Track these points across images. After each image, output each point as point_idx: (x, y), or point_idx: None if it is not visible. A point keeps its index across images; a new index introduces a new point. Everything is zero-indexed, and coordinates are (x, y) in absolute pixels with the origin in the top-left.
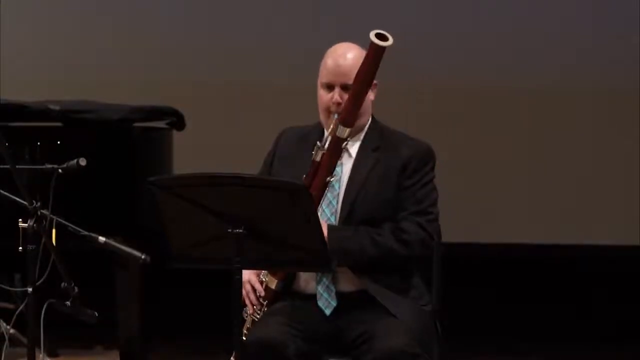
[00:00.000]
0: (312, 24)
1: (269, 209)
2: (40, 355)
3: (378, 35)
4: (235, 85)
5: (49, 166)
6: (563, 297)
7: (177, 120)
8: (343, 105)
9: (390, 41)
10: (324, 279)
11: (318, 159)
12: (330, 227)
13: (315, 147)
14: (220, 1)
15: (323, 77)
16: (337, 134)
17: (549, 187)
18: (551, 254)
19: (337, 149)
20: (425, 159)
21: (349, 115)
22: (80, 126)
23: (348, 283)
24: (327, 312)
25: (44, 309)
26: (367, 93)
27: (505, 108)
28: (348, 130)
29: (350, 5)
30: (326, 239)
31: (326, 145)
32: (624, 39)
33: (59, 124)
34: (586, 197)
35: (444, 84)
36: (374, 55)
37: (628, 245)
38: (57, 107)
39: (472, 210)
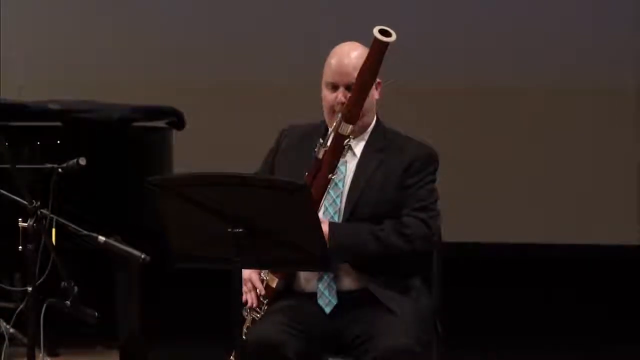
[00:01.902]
0: (312, 24)
1: (269, 209)
2: (40, 355)
3: (381, 31)
4: (235, 85)
5: (49, 166)
6: (563, 297)
7: (177, 120)
8: (346, 101)
9: (394, 37)
10: (326, 277)
11: (320, 156)
12: (331, 223)
13: (318, 145)
14: (220, 1)
15: (327, 76)
16: (339, 130)
17: (549, 187)
18: (551, 254)
19: (339, 146)
20: (429, 161)
21: (351, 112)
22: (80, 126)
23: (349, 281)
24: (327, 310)
25: (43, 309)
26: (369, 89)
27: (505, 108)
28: (350, 127)
29: (351, 5)
30: (327, 235)
31: (328, 143)
32: (624, 39)
33: (58, 123)
34: (586, 197)
35: (444, 84)
36: (377, 51)
37: (628, 245)
38: (56, 107)
39: (472, 210)
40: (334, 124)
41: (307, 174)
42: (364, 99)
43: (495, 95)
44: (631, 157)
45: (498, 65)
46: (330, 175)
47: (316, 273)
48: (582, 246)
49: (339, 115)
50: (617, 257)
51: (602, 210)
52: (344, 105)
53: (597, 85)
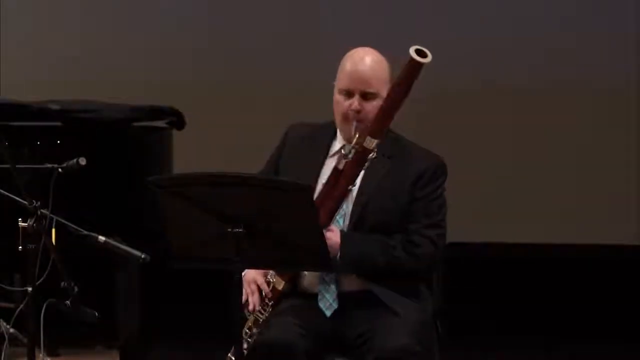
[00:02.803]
0: (313, 24)
1: (269, 209)
2: (40, 355)
3: (417, 51)
4: (235, 85)
5: (49, 166)
6: (563, 297)
7: (177, 120)
8: (374, 117)
9: (429, 58)
10: (328, 280)
11: (341, 167)
12: (342, 233)
13: (339, 155)
14: (220, 1)
15: (342, 82)
16: (364, 145)
17: (549, 187)
18: (551, 254)
19: (362, 160)
20: (439, 172)
21: (379, 128)
22: (80, 125)
23: (351, 283)
24: (328, 313)
25: (43, 309)
26: (400, 107)
27: (504, 108)
28: (376, 141)
29: (351, 5)
30: (338, 244)
31: (351, 155)
32: (624, 39)
33: (58, 123)
34: (586, 197)
35: (444, 84)
36: (412, 71)
37: (628, 245)
38: (57, 107)
39: (472, 210)
40: (356, 136)
41: (324, 183)
42: (393, 116)
43: (494, 95)
44: (631, 157)
45: (498, 65)
46: (350, 187)
47: (319, 274)
48: (582, 246)
49: (355, 125)
50: (616, 257)
51: (602, 210)
52: (372, 121)
53: (597, 85)
